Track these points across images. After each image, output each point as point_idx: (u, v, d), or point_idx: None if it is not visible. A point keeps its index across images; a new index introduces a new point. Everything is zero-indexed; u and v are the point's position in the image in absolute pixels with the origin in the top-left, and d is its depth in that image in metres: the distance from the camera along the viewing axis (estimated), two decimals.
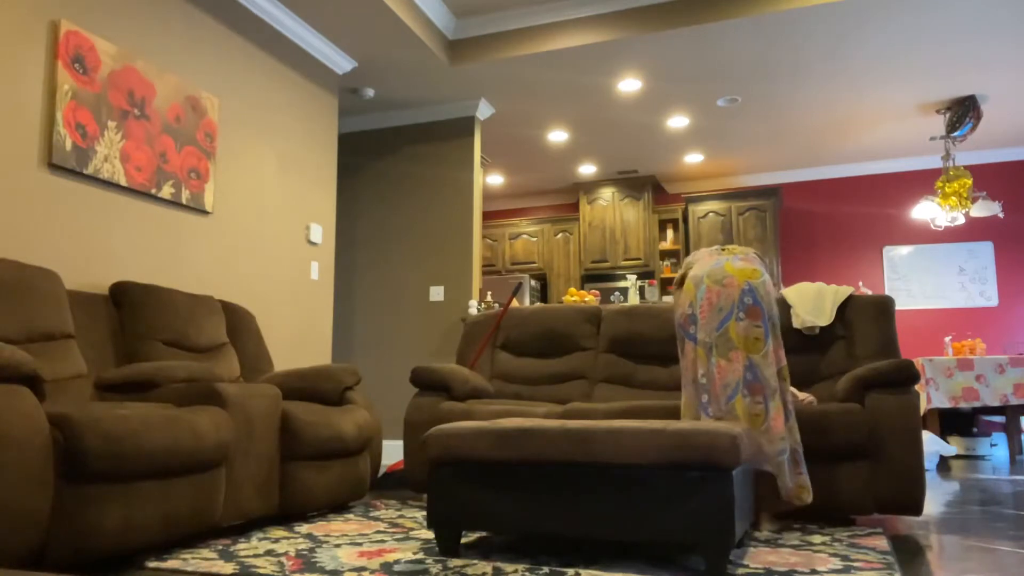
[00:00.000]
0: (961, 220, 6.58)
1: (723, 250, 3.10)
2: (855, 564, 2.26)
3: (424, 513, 3.25)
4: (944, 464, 5.47)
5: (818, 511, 3.04)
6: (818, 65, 5.51)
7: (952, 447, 5.64)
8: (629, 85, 5.82)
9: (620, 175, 8.34)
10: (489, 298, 6.26)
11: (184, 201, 3.88)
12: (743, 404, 2.77)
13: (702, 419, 2.87)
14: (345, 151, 6.46)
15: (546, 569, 2.16)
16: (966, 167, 7.69)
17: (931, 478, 4.57)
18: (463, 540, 2.62)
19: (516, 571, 2.14)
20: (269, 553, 2.40)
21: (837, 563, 2.27)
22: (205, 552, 2.41)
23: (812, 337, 3.70)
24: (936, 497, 3.75)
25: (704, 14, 4.88)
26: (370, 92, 5.85)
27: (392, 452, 5.88)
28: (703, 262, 3.03)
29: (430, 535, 2.72)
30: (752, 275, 2.89)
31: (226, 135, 4.26)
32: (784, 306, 3.79)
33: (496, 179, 8.50)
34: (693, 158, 7.75)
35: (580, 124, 6.72)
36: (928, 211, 6.63)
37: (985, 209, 6.51)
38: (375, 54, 5.24)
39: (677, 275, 3.13)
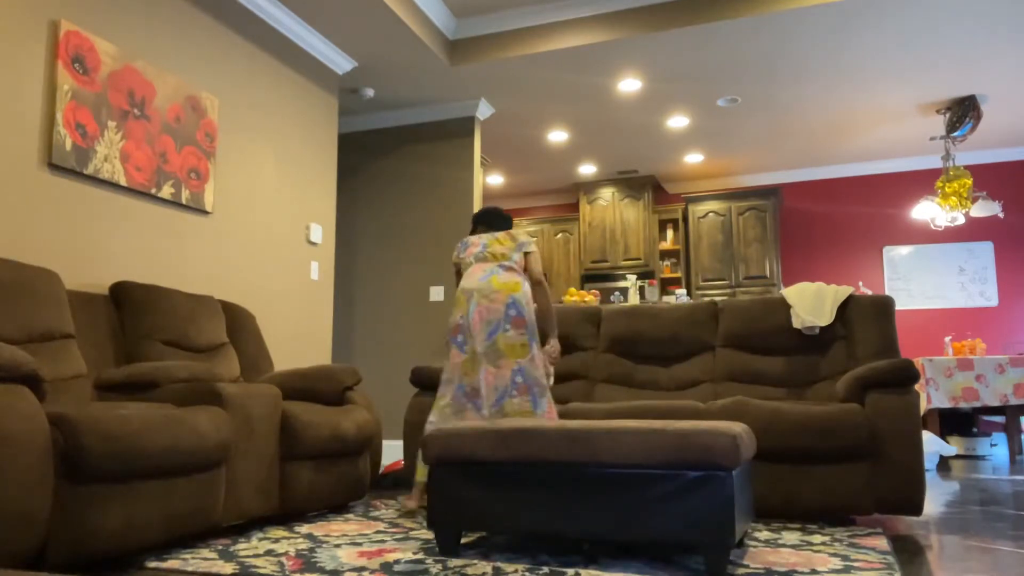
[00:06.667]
0: (961, 220, 6.58)
1: (495, 238, 3.43)
2: (855, 564, 2.26)
3: (424, 513, 3.25)
4: (944, 464, 5.47)
5: (818, 511, 3.04)
6: (818, 65, 5.51)
7: (952, 447, 5.64)
8: (629, 85, 5.82)
9: (620, 175, 8.34)
10: None
11: (184, 201, 3.88)
12: (513, 404, 3.19)
13: (469, 417, 3.20)
14: (345, 151, 6.46)
15: (546, 569, 2.16)
16: (966, 167, 7.69)
17: (931, 478, 4.57)
18: (463, 540, 2.62)
19: (516, 571, 2.14)
20: (269, 553, 2.40)
21: (837, 563, 2.27)
22: (205, 552, 2.41)
23: (812, 337, 3.70)
24: (936, 497, 3.75)
25: (704, 14, 4.88)
26: (370, 92, 5.85)
27: (392, 452, 5.88)
28: (473, 274, 3.34)
29: (430, 535, 2.72)
30: (515, 288, 3.27)
31: (226, 135, 4.26)
32: (784, 306, 3.79)
33: (496, 179, 8.50)
34: (693, 158, 7.75)
35: (580, 124, 6.72)
36: (928, 211, 6.63)
37: (985, 209, 6.51)
38: (375, 54, 5.24)
39: (458, 259, 3.48)
